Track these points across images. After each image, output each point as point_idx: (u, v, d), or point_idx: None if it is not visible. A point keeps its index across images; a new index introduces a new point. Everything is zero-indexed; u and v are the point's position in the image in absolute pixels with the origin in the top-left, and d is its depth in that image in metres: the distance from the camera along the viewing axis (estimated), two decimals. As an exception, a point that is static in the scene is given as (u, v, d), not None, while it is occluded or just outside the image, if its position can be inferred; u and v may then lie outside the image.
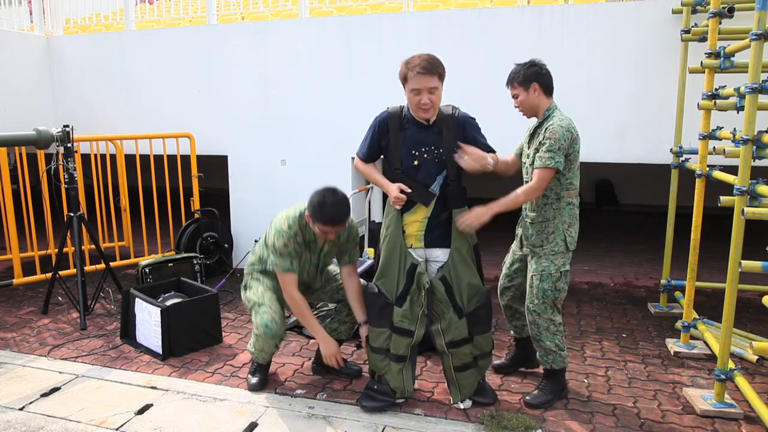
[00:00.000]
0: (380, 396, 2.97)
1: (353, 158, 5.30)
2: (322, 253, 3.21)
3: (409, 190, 2.82)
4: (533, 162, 2.85)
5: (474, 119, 2.88)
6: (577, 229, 2.95)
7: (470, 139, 2.80)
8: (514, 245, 3.21)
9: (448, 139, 2.78)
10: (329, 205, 2.87)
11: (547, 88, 2.90)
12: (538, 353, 3.06)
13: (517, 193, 2.81)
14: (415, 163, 2.82)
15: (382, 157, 3.02)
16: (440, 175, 2.83)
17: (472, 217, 2.74)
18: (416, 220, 2.89)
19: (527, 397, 3.04)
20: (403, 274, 2.87)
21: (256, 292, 3.22)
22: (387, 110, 2.92)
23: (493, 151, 2.86)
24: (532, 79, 2.86)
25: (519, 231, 3.12)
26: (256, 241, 5.01)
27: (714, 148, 3.45)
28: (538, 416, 2.89)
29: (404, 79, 2.73)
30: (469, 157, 2.68)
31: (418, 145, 2.81)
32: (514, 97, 2.95)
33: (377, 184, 2.95)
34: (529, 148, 2.97)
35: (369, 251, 4.86)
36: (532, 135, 2.96)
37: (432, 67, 2.66)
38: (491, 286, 4.72)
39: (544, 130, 2.83)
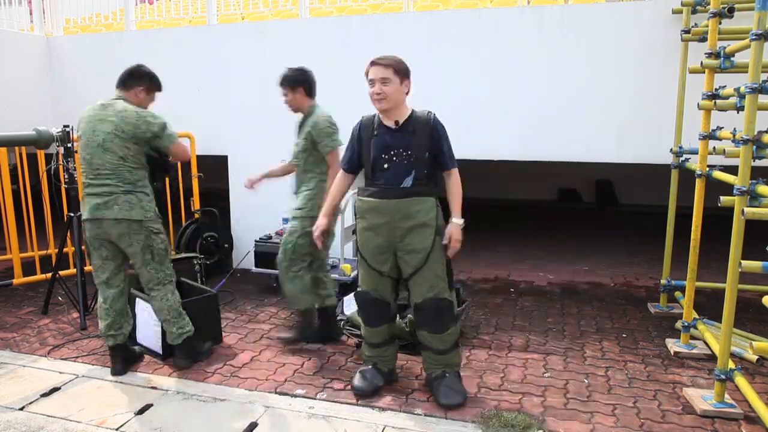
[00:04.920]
0: (372, 379, 3.16)
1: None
2: None
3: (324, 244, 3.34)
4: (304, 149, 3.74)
5: (444, 128, 2.98)
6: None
7: (436, 145, 2.93)
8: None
9: (420, 139, 2.92)
10: None
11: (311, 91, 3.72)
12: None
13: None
14: (386, 166, 2.96)
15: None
16: (409, 176, 2.93)
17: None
18: None
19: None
20: (388, 282, 3.08)
21: None
22: (361, 119, 3.11)
23: (454, 165, 3.00)
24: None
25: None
26: (256, 241, 5.02)
27: (714, 148, 3.45)
28: (538, 416, 2.90)
29: (366, 74, 2.97)
30: (453, 245, 2.94)
31: (387, 149, 2.95)
32: (285, 95, 3.69)
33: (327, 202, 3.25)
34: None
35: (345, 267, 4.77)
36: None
37: (385, 60, 2.89)
38: (492, 286, 4.68)
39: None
